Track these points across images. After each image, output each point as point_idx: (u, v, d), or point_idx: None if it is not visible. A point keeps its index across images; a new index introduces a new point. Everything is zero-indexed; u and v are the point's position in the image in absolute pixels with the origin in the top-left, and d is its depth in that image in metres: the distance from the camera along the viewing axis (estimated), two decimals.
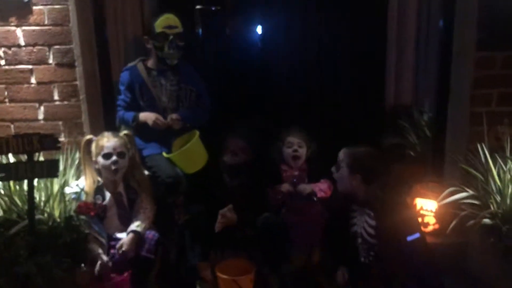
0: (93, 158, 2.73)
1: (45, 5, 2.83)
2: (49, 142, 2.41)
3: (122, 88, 3.03)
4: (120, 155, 2.70)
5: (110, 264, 2.52)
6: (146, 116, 2.95)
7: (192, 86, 3.08)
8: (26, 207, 2.44)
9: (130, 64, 3.05)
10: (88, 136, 2.76)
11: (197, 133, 2.95)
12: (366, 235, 2.51)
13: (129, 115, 2.99)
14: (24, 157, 2.42)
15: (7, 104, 2.96)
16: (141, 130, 2.99)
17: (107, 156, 2.68)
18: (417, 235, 2.38)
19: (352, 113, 3.84)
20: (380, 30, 3.55)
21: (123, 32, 3.25)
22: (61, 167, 2.64)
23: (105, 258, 2.51)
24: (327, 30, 3.92)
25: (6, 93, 2.94)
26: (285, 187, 2.97)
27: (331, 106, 3.93)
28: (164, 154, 2.94)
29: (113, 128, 3.05)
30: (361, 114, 3.78)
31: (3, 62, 2.90)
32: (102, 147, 2.69)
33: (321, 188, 2.93)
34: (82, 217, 2.53)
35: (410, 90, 3.55)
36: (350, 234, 2.57)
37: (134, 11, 3.28)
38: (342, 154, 2.57)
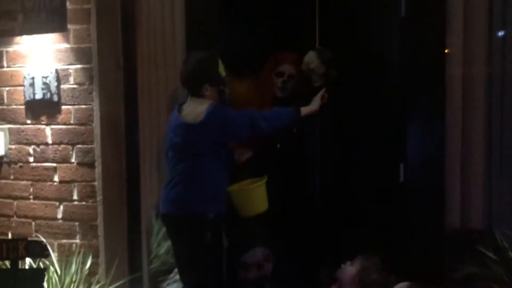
0: None
1: (72, 104, 2.84)
2: (36, 249, 2.27)
3: None
4: None
5: None
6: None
7: None
8: None
9: None
10: None
11: (265, 178, 2.67)
12: None
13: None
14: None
15: (31, 201, 2.95)
16: None
17: None
18: None
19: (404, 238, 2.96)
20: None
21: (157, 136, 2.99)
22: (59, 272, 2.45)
23: None
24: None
25: (31, 189, 2.94)
26: None
27: (377, 229, 3.14)
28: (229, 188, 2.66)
29: (135, 234, 2.90)
30: (415, 238, 3.00)
31: (31, 159, 2.92)
32: None
33: None
34: None
35: (481, 206, 2.86)
36: None
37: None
38: None
